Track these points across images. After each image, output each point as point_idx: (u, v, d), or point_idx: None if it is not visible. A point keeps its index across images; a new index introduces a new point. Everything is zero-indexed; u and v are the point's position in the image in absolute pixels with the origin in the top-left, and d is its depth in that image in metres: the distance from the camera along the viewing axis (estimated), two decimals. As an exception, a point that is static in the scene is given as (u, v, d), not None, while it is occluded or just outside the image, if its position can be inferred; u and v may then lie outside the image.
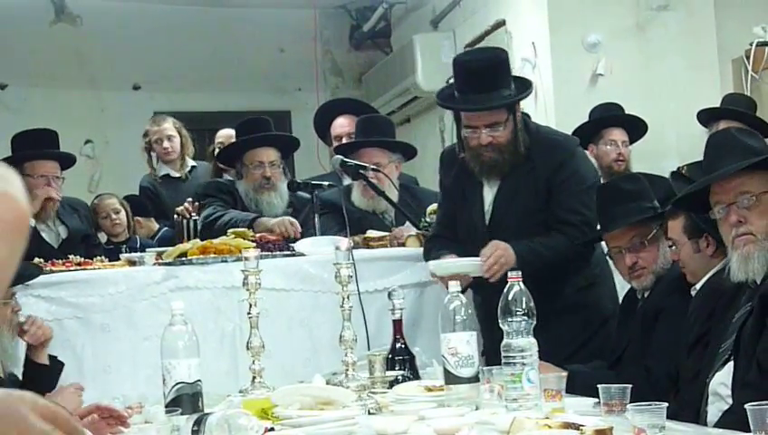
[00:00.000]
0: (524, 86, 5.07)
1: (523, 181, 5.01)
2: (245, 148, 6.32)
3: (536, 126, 5.16)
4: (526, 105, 8.53)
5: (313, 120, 7.14)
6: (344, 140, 6.55)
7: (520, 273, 3.70)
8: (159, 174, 7.98)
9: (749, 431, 2.75)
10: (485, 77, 4.90)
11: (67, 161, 6.46)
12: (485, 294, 4.83)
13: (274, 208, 6.20)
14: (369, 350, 4.67)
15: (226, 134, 7.90)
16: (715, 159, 3.77)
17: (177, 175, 7.86)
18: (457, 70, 5.01)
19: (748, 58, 7.77)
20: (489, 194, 5.10)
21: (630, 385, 3.41)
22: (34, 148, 6.30)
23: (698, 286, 4.29)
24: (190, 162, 7.92)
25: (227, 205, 6.25)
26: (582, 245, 4.94)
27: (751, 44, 7.76)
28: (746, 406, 2.78)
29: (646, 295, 4.64)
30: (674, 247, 4.41)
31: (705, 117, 6.98)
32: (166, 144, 7.86)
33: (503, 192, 5.06)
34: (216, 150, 7.61)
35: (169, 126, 7.93)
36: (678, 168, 5.50)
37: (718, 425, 3.53)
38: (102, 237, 7.81)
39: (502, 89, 4.91)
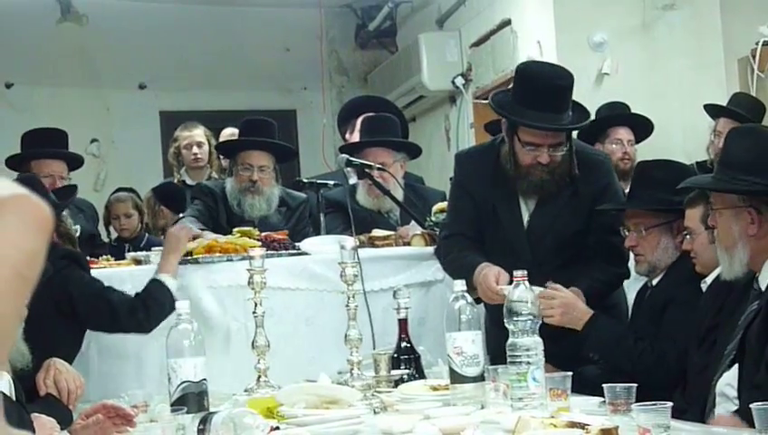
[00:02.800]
0: (580, 110, 4.95)
1: (564, 202, 4.92)
2: (240, 148, 6.32)
3: (577, 145, 5.02)
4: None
5: (338, 115, 7.22)
6: None
7: (525, 272, 3.71)
8: (176, 179, 8.01)
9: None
10: (560, 97, 4.77)
11: (74, 162, 6.46)
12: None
13: (257, 211, 6.16)
14: (374, 349, 4.67)
15: (230, 133, 7.97)
16: None
17: (193, 184, 7.86)
18: (528, 82, 4.82)
19: (754, 57, 7.75)
20: (526, 212, 4.97)
21: (635, 384, 3.41)
22: (43, 147, 6.31)
23: (709, 280, 4.28)
24: (208, 172, 7.93)
25: (207, 207, 6.27)
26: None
27: (757, 44, 7.74)
28: (752, 406, 2.78)
29: (654, 284, 4.65)
30: (689, 237, 4.40)
31: (711, 111, 7.01)
32: (196, 150, 7.88)
33: (541, 211, 4.94)
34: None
35: (200, 132, 7.96)
36: (697, 161, 5.51)
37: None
38: (113, 231, 7.82)
39: (568, 110, 4.80)
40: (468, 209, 5.07)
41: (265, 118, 6.59)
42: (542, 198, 4.90)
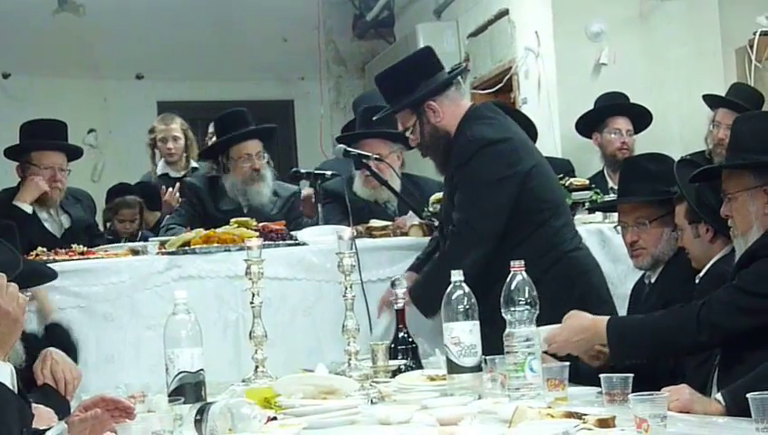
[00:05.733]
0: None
1: (446, 184, 5.07)
2: (231, 143, 6.32)
3: (471, 127, 4.97)
4: (530, 95, 8.56)
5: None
6: None
7: (523, 262, 3.71)
8: (159, 172, 7.98)
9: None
10: (385, 92, 5.13)
11: (74, 153, 6.47)
12: None
13: (263, 198, 6.25)
14: (372, 339, 4.67)
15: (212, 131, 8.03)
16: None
17: (176, 175, 7.84)
18: None
19: (752, 47, 7.74)
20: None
21: (632, 374, 3.42)
22: (42, 138, 6.31)
23: (702, 274, 4.29)
24: (192, 164, 7.91)
25: (191, 205, 6.39)
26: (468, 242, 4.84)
27: (754, 34, 7.73)
28: (748, 396, 2.79)
29: (653, 281, 4.65)
30: (678, 233, 4.42)
31: (710, 101, 7.01)
32: (170, 144, 7.88)
33: (443, 192, 5.19)
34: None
35: (176, 127, 7.94)
36: (683, 156, 5.49)
37: None
38: (109, 225, 7.80)
39: (400, 97, 5.02)
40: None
41: (237, 108, 6.61)
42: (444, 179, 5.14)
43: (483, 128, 4.92)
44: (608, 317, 4.00)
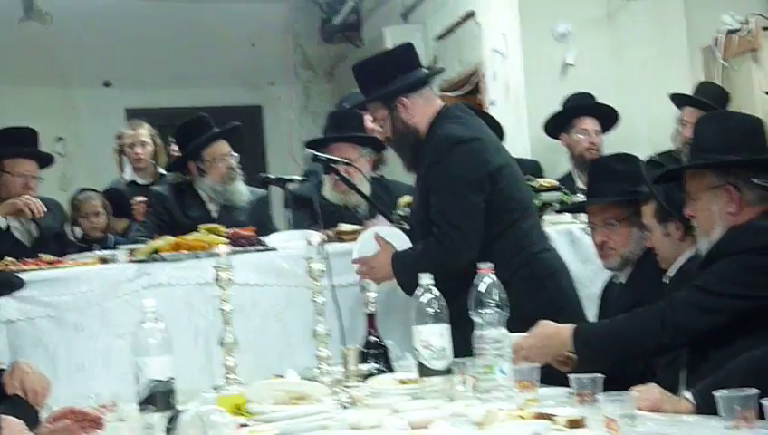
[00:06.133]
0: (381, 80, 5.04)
1: (418, 183, 5.05)
2: (204, 145, 6.33)
3: (442, 126, 4.96)
4: (498, 97, 8.58)
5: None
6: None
7: (491, 265, 3.71)
8: (127, 180, 7.96)
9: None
10: (361, 81, 5.10)
11: (45, 161, 6.47)
12: None
13: (243, 196, 6.31)
14: (343, 344, 4.66)
15: None
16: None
17: (144, 182, 7.81)
18: None
19: (717, 46, 7.79)
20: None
21: (602, 375, 3.43)
22: (14, 145, 6.30)
23: (671, 274, 4.31)
24: (160, 171, 7.87)
25: (156, 215, 6.41)
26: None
27: (719, 32, 7.78)
28: (715, 394, 2.81)
29: (622, 281, 4.66)
30: (647, 233, 4.43)
31: (677, 100, 7.05)
32: (138, 150, 7.84)
33: (413, 192, 5.19)
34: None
35: (144, 132, 7.91)
36: (650, 156, 5.52)
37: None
38: (78, 231, 7.78)
39: (375, 87, 5.02)
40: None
41: (198, 115, 6.63)
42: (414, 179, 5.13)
43: (454, 126, 4.93)
44: (573, 326, 4.00)
